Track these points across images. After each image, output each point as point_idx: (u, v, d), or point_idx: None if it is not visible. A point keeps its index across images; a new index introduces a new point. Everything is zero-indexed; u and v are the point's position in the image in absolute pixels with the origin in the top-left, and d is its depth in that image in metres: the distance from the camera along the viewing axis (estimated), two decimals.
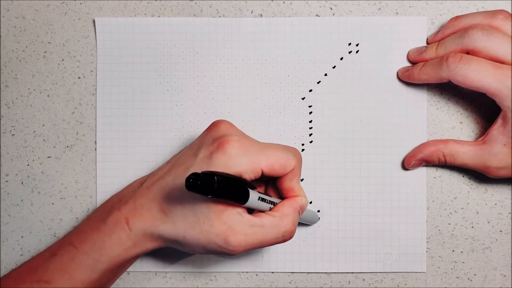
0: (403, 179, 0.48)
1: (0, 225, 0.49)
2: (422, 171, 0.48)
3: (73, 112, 0.49)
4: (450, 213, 0.48)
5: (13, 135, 0.49)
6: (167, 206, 0.41)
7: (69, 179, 0.49)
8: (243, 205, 0.39)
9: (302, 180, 0.48)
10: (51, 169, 0.49)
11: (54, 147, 0.49)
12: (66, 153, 0.49)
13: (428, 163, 0.47)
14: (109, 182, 0.49)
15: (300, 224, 0.48)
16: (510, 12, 0.45)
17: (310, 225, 0.48)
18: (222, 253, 0.40)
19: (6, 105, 0.49)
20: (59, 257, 0.42)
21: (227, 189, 0.37)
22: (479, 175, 0.48)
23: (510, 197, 0.48)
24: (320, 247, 0.48)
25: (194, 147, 0.42)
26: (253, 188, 0.41)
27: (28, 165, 0.49)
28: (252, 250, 0.41)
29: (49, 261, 0.42)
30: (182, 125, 0.49)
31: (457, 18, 0.46)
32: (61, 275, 0.41)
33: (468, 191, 0.48)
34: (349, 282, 0.49)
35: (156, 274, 0.49)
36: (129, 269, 0.49)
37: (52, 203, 0.49)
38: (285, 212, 0.41)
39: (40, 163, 0.49)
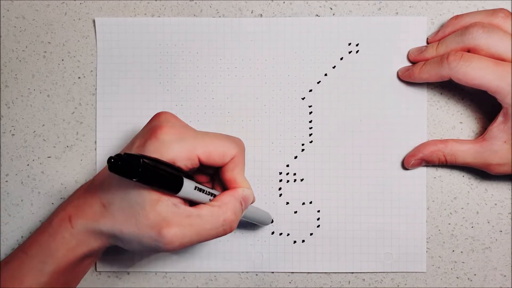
0: (403, 179, 0.48)
1: (0, 225, 0.49)
2: (422, 171, 0.48)
3: (73, 112, 0.49)
4: (450, 213, 0.48)
5: (13, 135, 0.49)
6: (107, 199, 0.40)
7: (69, 179, 0.49)
8: (178, 195, 0.38)
9: (302, 180, 0.48)
10: (51, 169, 0.49)
11: (54, 147, 0.49)
12: (66, 153, 0.49)
13: (428, 163, 0.47)
14: None
15: (299, 223, 0.48)
16: (510, 10, 0.45)
17: (263, 226, 0.48)
18: (158, 248, 0.38)
19: (6, 105, 0.49)
20: (11, 264, 0.42)
21: (156, 174, 0.35)
22: (479, 175, 0.48)
23: (510, 197, 0.48)
24: (320, 247, 0.48)
25: (134, 138, 0.41)
26: (191, 178, 0.39)
27: (28, 165, 0.49)
28: (191, 245, 0.39)
29: (2, 270, 0.42)
30: None
31: (457, 17, 0.46)
32: (11, 282, 0.41)
33: (468, 191, 0.48)
34: (349, 282, 0.49)
35: (156, 274, 0.49)
36: (129, 269, 0.49)
37: (52, 203, 0.49)
38: (224, 201, 0.40)
39: (40, 163, 0.49)
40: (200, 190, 0.39)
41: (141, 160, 0.34)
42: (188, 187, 0.38)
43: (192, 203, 0.40)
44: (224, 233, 0.40)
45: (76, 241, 0.41)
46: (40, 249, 0.41)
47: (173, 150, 0.38)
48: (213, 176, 0.44)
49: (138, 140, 0.40)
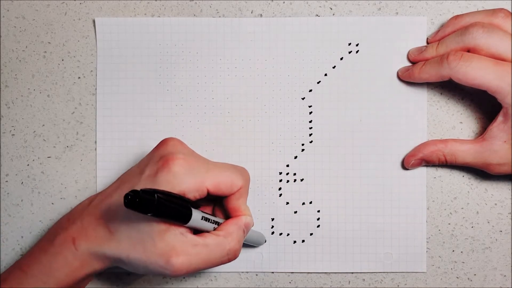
0: (403, 179, 0.48)
1: (0, 225, 0.49)
2: (422, 171, 0.48)
3: (73, 112, 0.49)
4: (450, 213, 0.48)
5: (13, 135, 0.49)
6: (113, 225, 0.40)
7: (69, 179, 0.49)
8: (186, 225, 0.39)
9: (302, 180, 0.48)
10: (51, 169, 0.49)
11: (54, 147, 0.49)
12: (66, 153, 0.49)
13: (428, 163, 0.47)
14: (109, 182, 0.48)
15: (299, 223, 0.48)
16: (510, 10, 0.45)
17: (257, 246, 0.48)
18: (165, 274, 0.39)
19: (6, 105, 0.49)
20: (9, 282, 0.41)
21: (168, 208, 0.36)
22: (479, 175, 0.48)
23: (510, 197, 0.48)
24: (320, 247, 0.48)
25: (142, 165, 0.42)
26: (197, 207, 0.41)
27: (28, 165, 0.49)
28: (197, 271, 0.40)
29: None
30: (182, 125, 0.49)
31: (457, 17, 0.46)
32: None
33: (468, 191, 0.48)
34: (349, 282, 0.49)
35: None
36: None
37: (52, 203, 0.49)
38: (229, 231, 0.41)
39: (40, 163, 0.49)
40: (206, 219, 0.40)
41: (156, 195, 0.35)
42: (196, 217, 0.39)
43: (196, 230, 0.41)
44: (228, 261, 0.41)
45: (79, 263, 0.41)
46: (41, 269, 0.41)
47: (184, 182, 0.39)
48: (214, 201, 0.45)
49: (148, 169, 0.40)
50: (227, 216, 0.43)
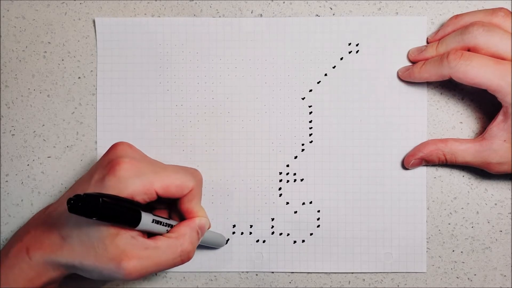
0: (403, 179, 0.48)
1: (0, 225, 0.49)
2: (422, 171, 0.48)
3: (73, 112, 0.49)
4: (450, 213, 0.48)
5: (13, 135, 0.49)
6: (65, 232, 0.40)
7: (69, 179, 0.49)
8: (137, 228, 0.39)
9: (302, 180, 0.48)
10: (51, 169, 0.49)
11: (54, 147, 0.49)
12: (66, 153, 0.49)
13: (428, 162, 0.47)
14: None
15: (299, 223, 0.48)
16: (510, 10, 0.45)
17: (218, 248, 0.48)
18: (118, 278, 0.39)
19: (6, 105, 0.49)
20: None
21: (115, 212, 0.36)
22: (479, 175, 0.48)
23: (510, 197, 0.48)
24: (320, 247, 0.48)
25: (91, 171, 0.42)
26: (152, 211, 0.40)
27: (28, 165, 0.49)
28: (150, 274, 0.40)
29: None
30: (182, 125, 0.49)
31: (457, 16, 0.46)
32: None
33: (468, 191, 0.48)
34: (349, 282, 0.49)
35: (156, 274, 0.49)
36: None
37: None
38: (181, 232, 0.41)
39: (40, 163, 0.49)
40: (157, 222, 0.40)
41: (100, 199, 0.35)
42: (146, 220, 0.39)
43: (150, 233, 0.41)
44: (182, 262, 0.41)
45: (35, 273, 0.41)
46: None
47: (131, 186, 0.39)
48: (170, 205, 0.45)
49: (97, 174, 0.40)
50: (183, 219, 0.43)
